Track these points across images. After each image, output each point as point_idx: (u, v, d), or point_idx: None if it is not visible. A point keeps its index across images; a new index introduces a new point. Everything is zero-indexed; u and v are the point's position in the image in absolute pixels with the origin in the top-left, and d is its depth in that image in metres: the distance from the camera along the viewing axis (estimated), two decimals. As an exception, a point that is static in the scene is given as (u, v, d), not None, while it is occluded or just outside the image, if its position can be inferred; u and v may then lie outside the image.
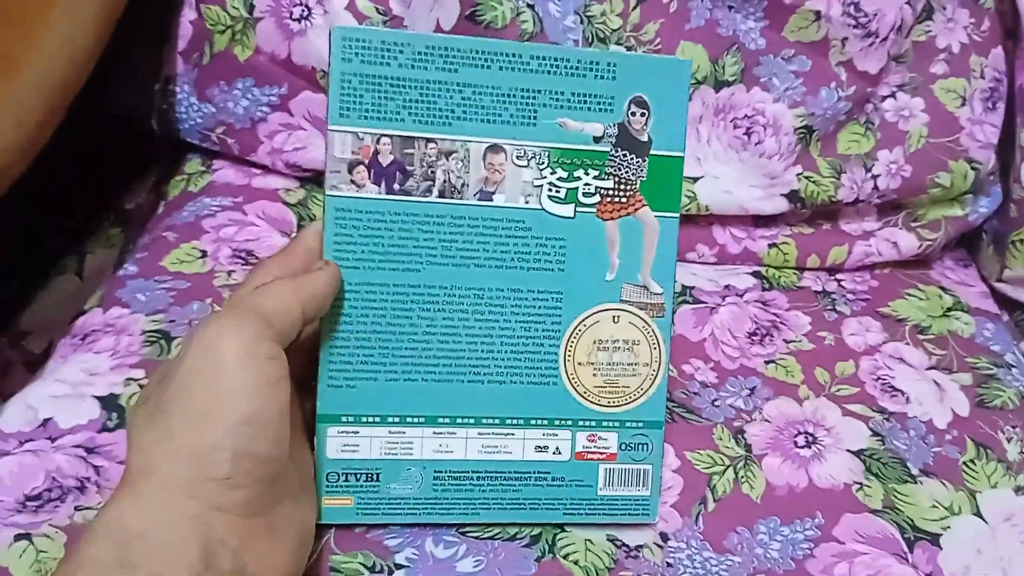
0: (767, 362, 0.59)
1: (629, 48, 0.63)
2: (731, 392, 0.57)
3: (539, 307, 0.45)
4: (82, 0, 0.51)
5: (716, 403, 0.56)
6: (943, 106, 0.66)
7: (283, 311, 0.37)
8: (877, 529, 0.49)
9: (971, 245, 0.73)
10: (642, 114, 0.44)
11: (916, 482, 0.52)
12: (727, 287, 0.64)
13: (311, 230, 0.42)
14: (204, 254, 0.58)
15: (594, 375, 0.46)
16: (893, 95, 0.66)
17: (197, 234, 0.59)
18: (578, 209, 0.44)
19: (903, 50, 0.66)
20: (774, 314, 0.63)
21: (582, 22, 0.62)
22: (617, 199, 0.44)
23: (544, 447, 0.46)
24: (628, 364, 0.46)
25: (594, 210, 0.44)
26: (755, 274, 0.66)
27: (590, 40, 0.62)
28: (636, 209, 0.45)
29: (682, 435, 0.53)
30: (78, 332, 0.52)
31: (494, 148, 0.43)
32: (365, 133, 0.42)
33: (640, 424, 0.47)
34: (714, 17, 0.63)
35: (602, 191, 0.44)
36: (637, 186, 0.44)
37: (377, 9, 0.62)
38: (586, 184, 0.44)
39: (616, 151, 0.44)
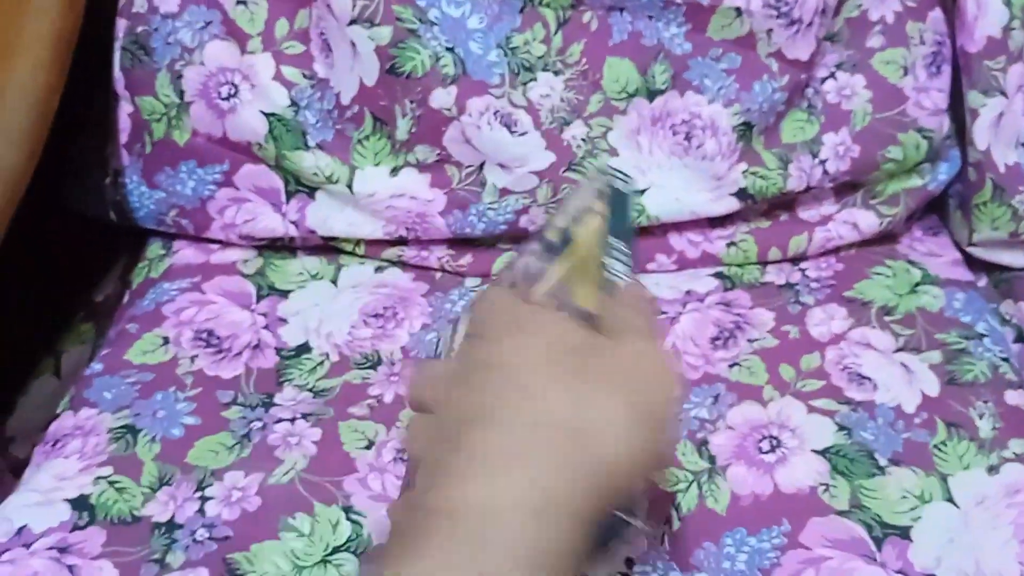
0: (731, 365, 0.59)
1: (557, 73, 0.63)
2: (695, 403, 0.56)
3: None
4: (7, 125, 0.53)
5: (679, 416, 0.56)
6: (885, 79, 0.65)
7: None
8: (844, 531, 0.49)
9: (941, 210, 0.71)
10: None
11: (884, 473, 0.52)
12: (688, 293, 0.64)
13: None
14: (166, 341, 0.59)
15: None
16: (832, 75, 0.65)
17: (158, 322, 0.61)
18: None
19: (836, 29, 0.65)
20: (737, 314, 0.63)
21: (506, 55, 0.62)
22: None
23: None
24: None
25: None
26: (717, 275, 0.66)
27: (516, 71, 0.62)
28: None
29: (645, 457, 0.53)
30: (51, 438, 0.54)
31: None
32: None
33: None
34: (636, 29, 0.63)
35: None
36: None
37: (304, 75, 0.64)
38: None
39: None
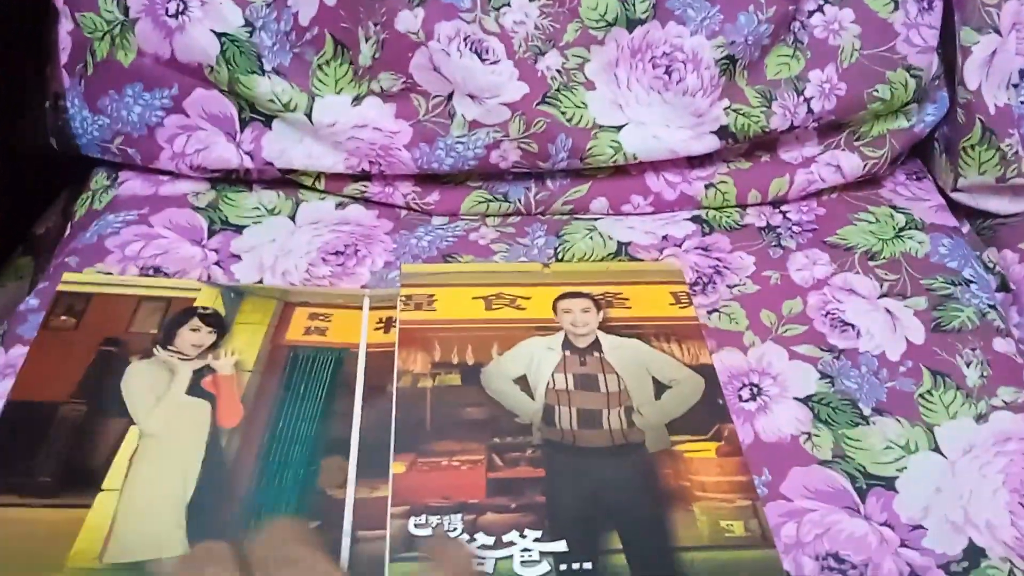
0: (710, 312, 0.56)
1: (532, -2, 0.59)
2: (672, 350, 0.54)
3: None
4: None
5: None
6: (874, 13, 0.62)
7: None
8: (827, 481, 0.47)
9: (926, 155, 0.69)
10: None
11: (868, 423, 0.50)
12: (665, 238, 0.61)
13: None
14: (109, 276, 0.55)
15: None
16: (820, 9, 0.62)
17: (101, 256, 0.56)
18: None
19: (826, -41, 0.62)
20: (716, 259, 0.60)
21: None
22: None
23: None
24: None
25: None
26: (695, 219, 0.63)
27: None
28: None
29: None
30: (-19, 376, 0.50)
31: None
32: None
33: None
34: (617, -47, 0.59)
35: None
36: None
37: (257, -10, 0.59)
38: None
39: None
